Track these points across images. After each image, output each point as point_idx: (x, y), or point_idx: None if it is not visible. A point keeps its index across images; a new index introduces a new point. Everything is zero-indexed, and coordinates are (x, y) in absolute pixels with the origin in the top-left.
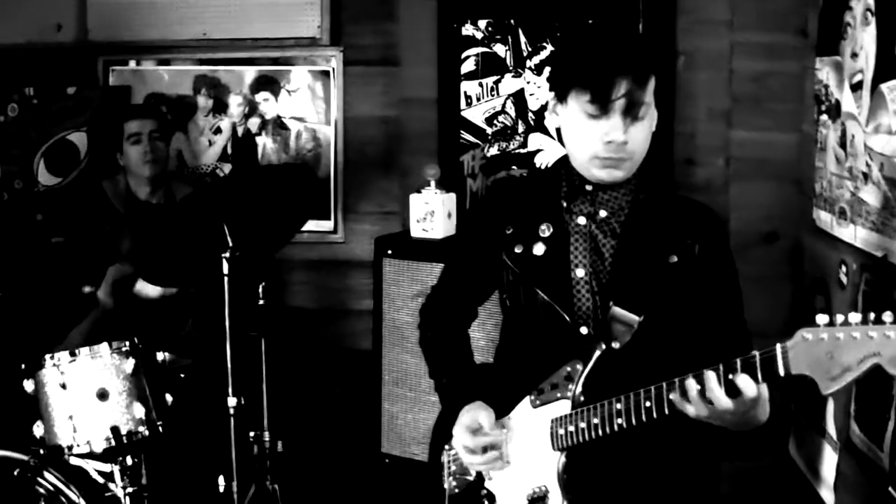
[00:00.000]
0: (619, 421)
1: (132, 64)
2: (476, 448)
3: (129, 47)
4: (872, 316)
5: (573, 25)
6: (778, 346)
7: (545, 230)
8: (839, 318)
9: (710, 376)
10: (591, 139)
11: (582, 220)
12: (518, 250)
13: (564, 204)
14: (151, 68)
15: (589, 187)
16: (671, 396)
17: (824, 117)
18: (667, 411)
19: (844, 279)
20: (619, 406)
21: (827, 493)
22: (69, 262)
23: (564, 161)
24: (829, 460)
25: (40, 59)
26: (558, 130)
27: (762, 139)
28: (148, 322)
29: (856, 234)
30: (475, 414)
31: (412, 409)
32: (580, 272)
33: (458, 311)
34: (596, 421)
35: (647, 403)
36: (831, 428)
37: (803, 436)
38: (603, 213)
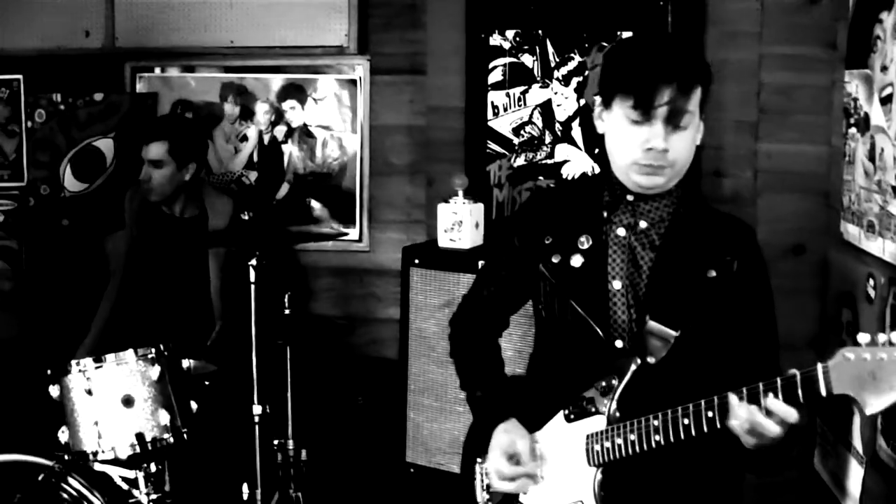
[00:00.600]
0: (657, 437)
1: (159, 71)
2: (510, 476)
3: (156, 54)
4: None
5: (629, 37)
6: (819, 365)
7: (584, 242)
8: (881, 337)
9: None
10: (633, 145)
11: (622, 232)
12: (556, 261)
13: (605, 214)
14: (178, 75)
15: (630, 197)
16: (709, 414)
17: (853, 130)
18: (705, 429)
19: (872, 293)
20: (656, 423)
21: None
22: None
23: (606, 172)
24: (856, 475)
25: (68, 65)
26: (602, 137)
27: (790, 151)
28: (173, 329)
29: (884, 248)
30: (513, 439)
31: (437, 419)
32: (617, 284)
33: (490, 320)
34: (633, 437)
35: (686, 420)
36: (857, 442)
37: (829, 450)
38: (643, 224)
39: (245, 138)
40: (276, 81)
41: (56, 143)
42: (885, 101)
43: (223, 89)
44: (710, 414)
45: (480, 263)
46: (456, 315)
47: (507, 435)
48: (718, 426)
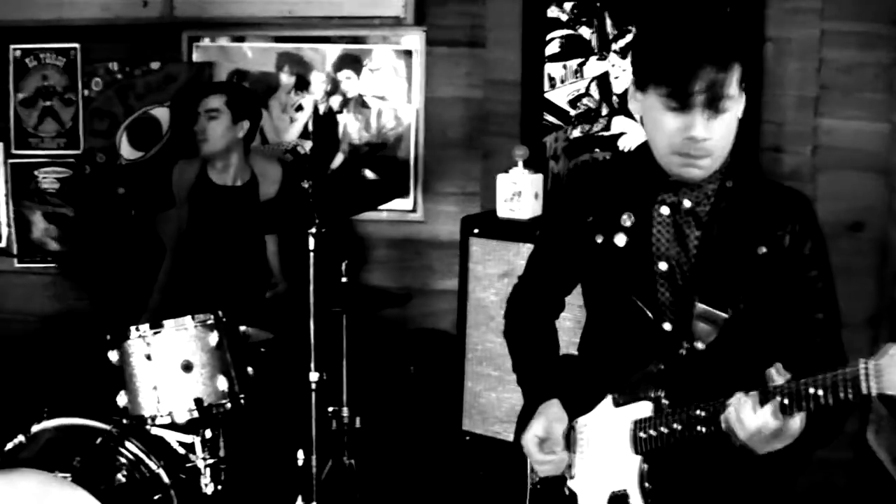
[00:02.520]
0: (701, 428)
1: (215, 40)
2: (540, 460)
3: (213, 24)
4: None
5: (655, 11)
6: (864, 363)
7: (626, 220)
8: None
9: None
10: (671, 133)
11: (665, 210)
12: (599, 240)
13: (647, 192)
14: (235, 45)
15: (672, 177)
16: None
17: None
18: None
19: None
20: (700, 413)
21: None
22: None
23: (647, 148)
24: None
25: (125, 34)
26: (641, 120)
27: (851, 128)
28: (230, 296)
29: None
30: (549, 423)
31: (495, 388)
32: (663, 265)
33: (543, 302)
34: (678, 426)
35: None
36: None
37: (883, 426)
38: (687, 203)
39: (300, 108)
40: (332, 52)
41: (113, 111)
42: None
43: (279, 59)
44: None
45: (538, 234)
46: (511, 296)
47: (544, 418)
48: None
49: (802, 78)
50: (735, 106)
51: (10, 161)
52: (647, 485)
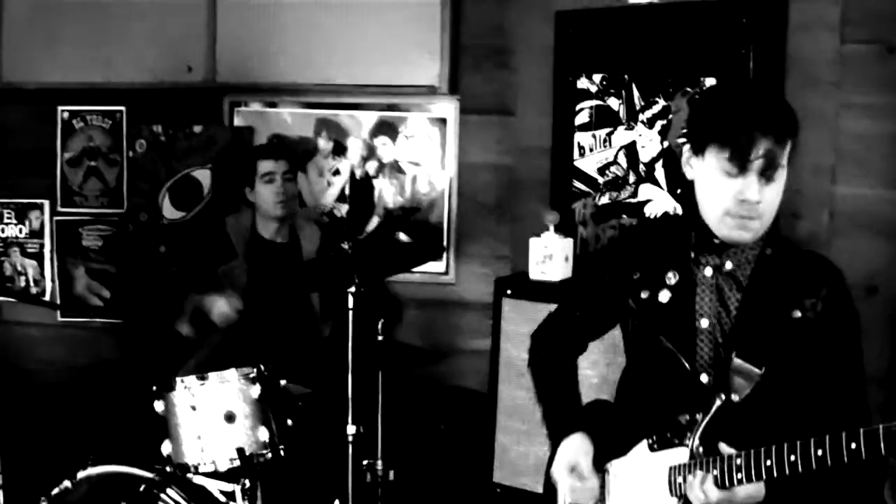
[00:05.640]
0: (739, 476)
1: (257, 105)
2: (574, 489)
3: (254, 89)
4: None
5: (719, 84)
6: (881, 427)
7: (671, 278)
8: None
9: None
10: (726, 196)
11: (709, 272)
12: (644, 296)
13: (692, 254)
14: (274, 110)
15: (717, 240)
16: (791, 458)
17: None
18: (787, 471)
19: None
20: (739, 461)
21: None
22: (182, 297)
23: (694, 214)
24: None
25: (169, 98)
26: (692, 183)
27: (865, 195)
28: (275, 350)
29: None
30: (577, 453)
31: (524, 442)
32: (704, 322)
33: (570, 341)
34: (716, 473)
35: (768, 462)
36: None
37: None
38: (729, 266)
39: (338, 172)
40: (369, 118)
41: (156, 172)
42: None
43: (317, 125)
44: (792, 458)
45: (575, 282)
46: (538, 330)
47: (571, 449)
48: (800, 470)
49: (819, 146)
50: (783, 176)
51: (56, 218)
52: None
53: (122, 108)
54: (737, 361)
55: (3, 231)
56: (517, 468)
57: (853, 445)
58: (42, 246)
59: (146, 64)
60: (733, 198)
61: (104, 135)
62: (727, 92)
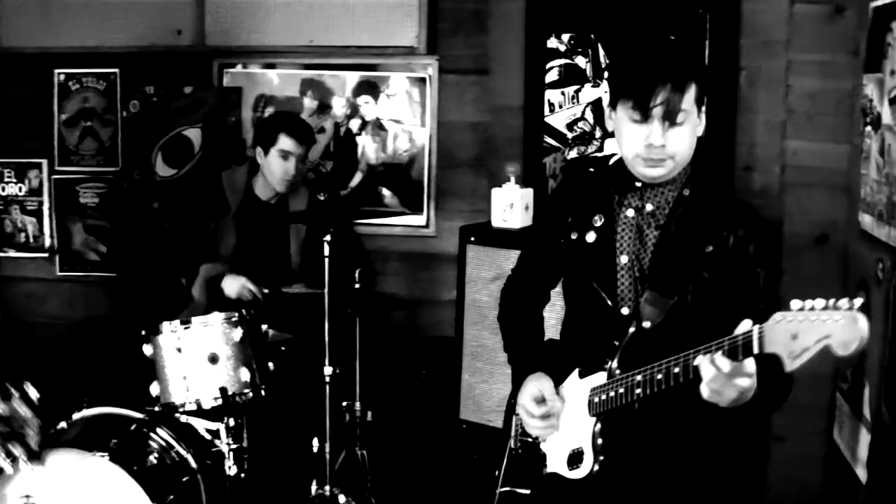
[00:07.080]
0: (638, 391)
1: (244, 67)
2: (537, 414)
3: (241, 52)
4: (832, 302)
5: (623, 41)
6: (755, 327)
7: (598, 220)
8: (808, 303)
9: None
10: (636, 142)
11: (630, 213)
12: (574, 237)
13: (616, 197)
14: (261, 71)
15: (638, 184)
16: (675, 370)
17: (868, 128)
18: (672, 382)
19: (881, 275)
20: (638, 378)
21: (861, 471)
22: (175, 252)
23: (620, 162)
24: (864, 441)
25: (161, 61)
26: (613, 133)
27: (815, 149)
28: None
29: (890, 235)
30: (540, 383)
31: (488, 380)
32: (624, 259)
33: (531, 294)
34: (621, 390)
35: (659, 376)
36: (867, 411)
37: (845, 422)
38: (649, 207)
39: (322, 130)
40: (352, 78)
41: (148, 131)
42: (893, 101)
43: (303, 85)
44: (676, 370)
45: (530, 233)
46: (504, 287)
47: (533, 382)
48: (681, 381)
49: (771, 104)
50: (692, 120)
51: (54, 177)
52: (598, 441)
53: (116, 70)
54: (648, 293)
55: (3, 189)
56: (481, 406)
57: (719, 353)
58: (41, 203)
59: (138, 29)
60: (641, 143)
61: (99, 96)
62: (631, 48)
